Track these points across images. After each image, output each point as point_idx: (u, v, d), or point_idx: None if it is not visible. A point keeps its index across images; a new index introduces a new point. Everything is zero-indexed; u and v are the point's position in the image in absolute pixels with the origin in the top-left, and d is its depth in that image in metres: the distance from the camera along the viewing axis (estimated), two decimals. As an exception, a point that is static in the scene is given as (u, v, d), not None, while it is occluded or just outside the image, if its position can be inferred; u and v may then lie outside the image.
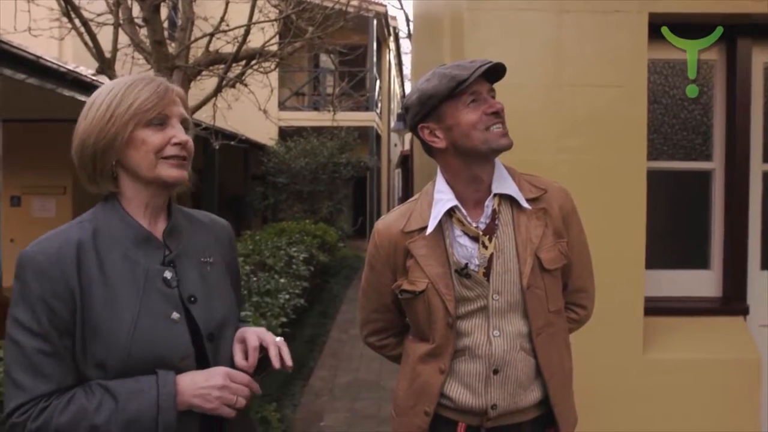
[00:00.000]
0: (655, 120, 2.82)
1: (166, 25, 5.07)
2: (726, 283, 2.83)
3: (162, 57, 4.47)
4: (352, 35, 11.89)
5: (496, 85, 1.53)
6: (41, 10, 4.92)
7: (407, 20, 20.22)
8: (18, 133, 7.74)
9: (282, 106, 14.44)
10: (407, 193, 15.76)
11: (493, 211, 1.51)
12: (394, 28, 19.77)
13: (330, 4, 6.19)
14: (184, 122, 1.23)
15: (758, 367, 2.68)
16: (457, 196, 1.52)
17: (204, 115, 5.65)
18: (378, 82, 16.87)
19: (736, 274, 2.80)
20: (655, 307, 2.72)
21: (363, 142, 14.64)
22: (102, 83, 5.79)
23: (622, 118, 2.59)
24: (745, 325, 2.79)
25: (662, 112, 2.85)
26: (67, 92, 5.78)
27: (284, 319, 4.08)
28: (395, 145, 21.27)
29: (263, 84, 5.87)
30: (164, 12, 5.15)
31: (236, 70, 5.25)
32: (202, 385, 1.13)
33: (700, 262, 2.89)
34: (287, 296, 4.55)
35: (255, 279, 4.70)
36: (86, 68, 6.01)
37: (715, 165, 2.86)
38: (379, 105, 17.36)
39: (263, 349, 1.23)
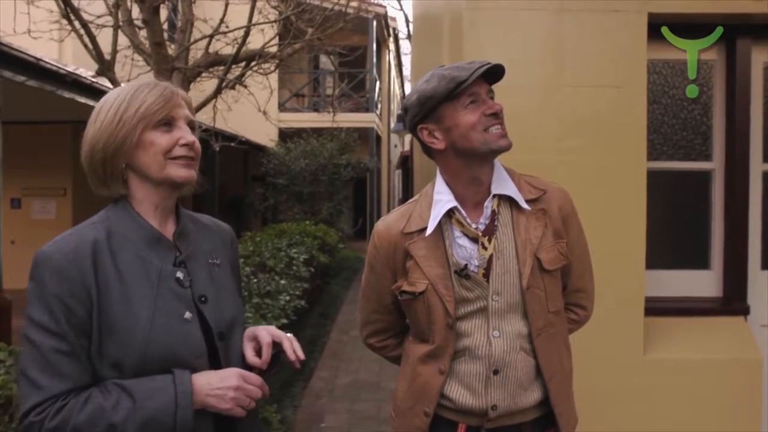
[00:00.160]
0: (654, 120, 2.82)
1: (165, 26, 5.07)
2: (726, 283, 2.83)
3: (161, 58, 4.47)
4: (351, 36, 11.91)
5: (495, 85, 1.53)
6: (41, 12, 4.92)
7: (407, 21, 20.25)
8: (18, 135, 7.74)
9: (282, 107, 14.45)
10: (407, 194, 15.77)
11: (493, 212, 1.51)
12: (394, 29, 19.78)
13: (329, 6, 6.19)
14: (190, 124, 1.25)
15: (759, 367, 2.67)
16: (457, 197, 1.52)
17: (204, 117, 5.65)
18: (378, 83, 16.88)
19: (736, 274, 2.80)
20: (656, 308, 2.72)
21: (363, 143, 14.66)
22: (102, 85, 5.82)
23: (622, 119, 2.59)
24: (746, 325, 2.79)
25: (662, 112, 2.85)
26: (67, 94, 5.80)
27: (285, 321, 4.09)
28: (395, 146, 21.28)
29: (263, 85, 5.87)
30: (164, 14, 5.15)
31: (236, 71, 5.25)
32: (218, 386, 1.16)
33: (701, 262, 2.89)
34: (287, 297, 4.55)
35: (255, 280, 4.70)
36: (86, 70, 6.02)
37: (715, 165, 2.85)
38: (379, 106, 17.36)
39: (274, 346, 1.26)
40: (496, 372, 1.47)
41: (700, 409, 2.65)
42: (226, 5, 4.89)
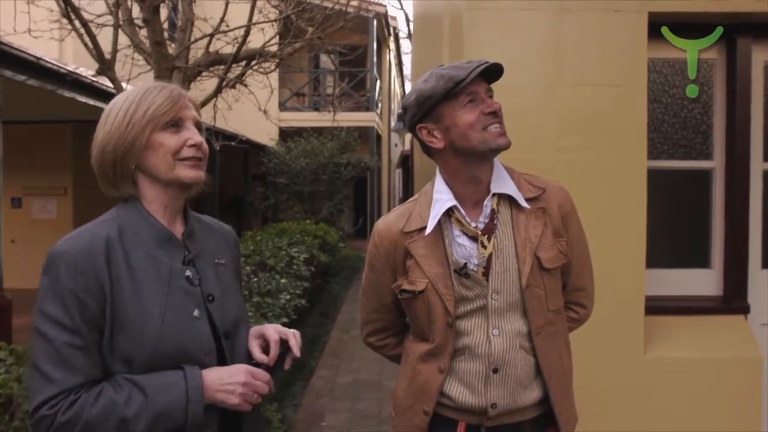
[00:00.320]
0: (655, 119, 2.82)
1: (165, 26, 5.07)
2: (727, 281, 2.83)
3: (162, 58, 4.47)
4: (352, 35, 11.91)
5: (495, 85, 1.53)
6: (41, 12, 4.92)
7: (407, 20, 20.24)
8: (19, 135, 7.75)
9: (282, 106, 14.46)
10: (408, 193, 15.77)
11: (492, 210, 1.51)
12: (394, 28, 19.77)
13: (330, 5, 6.19)
14: (197, 125, 1.28)
15: (759, 366, 2.67)
16: (456, 196, 1.52)
17: (204, 116, 5.62)
18: (378, 82, 16.88)
19: (736, 273, 2.80)
20: (656, 306, 2.72)
21: (363, 142, 14.65)
22: (102, 84, 5.82)
23: (622, 117, 2.59)
24: (746, 323, 2.79)
25: (662, 111, 2.85)
26: (67, 93, 5.79)
27: (285, 320, 4.08)
28: (395, 145, 21.27)
29: (263, 84, 5.87)
30: (164, 13, 5.15)
31: (236, 70, 5.25)
32: (228, 381, 1.19)
33: (701, 261, 2.89)
34: (288, 296, 4.55)
35: (256, 279, 4.70)
36: (86, 69, 6.01)
37: (716, 164, 2.85)
38: (380, 105, 17.37)
39: (281, 345, 1.30)
40: (495, 370, 1.48)
41: (700, 407, 2.65)
42: (227, 4, 4.88)
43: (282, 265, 5.40)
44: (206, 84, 5.64)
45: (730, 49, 2.78)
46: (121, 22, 4.54)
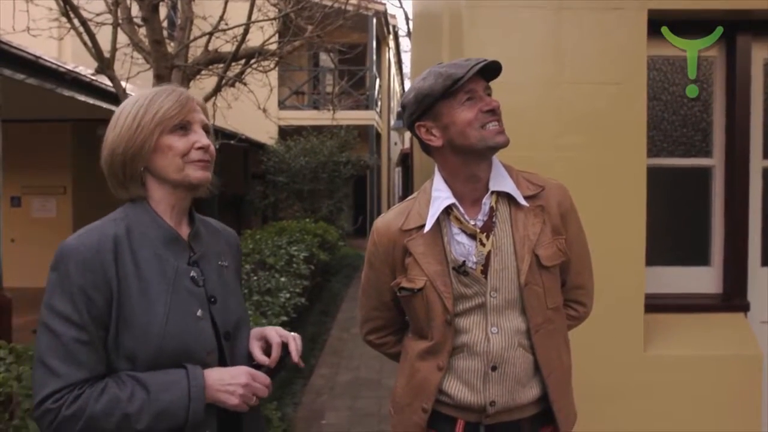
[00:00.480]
0: (654, 117, 2.82)
1: (165, 24, 5.06)
2: (726, 279, 2.83)
3: (161, 56, 4.46)
4: (351, 34, 11.89)
5: (495, 83, 1.53)
6: (40, 10, 4.91)
7: (406, 18, 20.22)
8: (18, 133, 7.74)
9: (282, 105, 14.45)
10: (407, 191, 15.77)
11: (491, 208, 1.51)
12: (394, 27, 19.76)
13: (329, 3, 6.17)
14: (204, 128, 1.32)
15: (759, 364, 2.67)
16: (455, 194, 1.52)
17: (204, 115, 5.63)
18: (378, 80, 16.87)
19: (736, 271, 2.80)
20: (656, 304, 2.72)
21: (363, 140, 14.65)
22: (101, 83, 5.82)
23: (622, 115, 2.59)
24: (746, 321, 2.79)
25: (662, 108, 2.84)
26: (66, 92, 5.78)
27: (285, 318, 4.08)
28: (395, 143, 21.27)
29: (263, 83, 5.86)
30: (163, 11, 5.15)
31: (235, 69, 5.24)
32: (230, 382, 1.21)
33: (701, 258, 2.89)
34: (288, 295, 4.55)
35: (255, 278, 4.70)
36: (85, 68, 6.00)
37: (715, 161, 2.85)
38: (379, 103, 17.36)
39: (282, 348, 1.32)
40: (494, 368, 1.48)
41: (700, 405, 2.66)
42: (226, 3, 4.87)
43: (282, 264, 5.40)
44: (206, 82, 5.63)
45: (730, 47, 2.77)
46: (120, 21, 4.53)
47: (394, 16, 20.04)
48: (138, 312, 1.16)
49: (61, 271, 1.14)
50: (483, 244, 1.48)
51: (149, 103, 1.25)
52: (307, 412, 4.37)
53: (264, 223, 11.90)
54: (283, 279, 4.86)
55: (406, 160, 16.67)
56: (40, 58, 5.11)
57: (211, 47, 5.09)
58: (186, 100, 1.27)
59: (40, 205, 9.59)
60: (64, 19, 4.38)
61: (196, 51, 5.29)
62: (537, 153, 2.53)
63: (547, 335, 1.52)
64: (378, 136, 17.05)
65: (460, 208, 1.52)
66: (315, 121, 13.27)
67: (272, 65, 5.84)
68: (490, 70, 1.48)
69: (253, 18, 4.86)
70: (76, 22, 4.22)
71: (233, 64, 4.96)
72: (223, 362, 1.26)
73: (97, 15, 4.79)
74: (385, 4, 16.54)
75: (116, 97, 4.72)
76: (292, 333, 1.35)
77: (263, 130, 11.44)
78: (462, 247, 1.50)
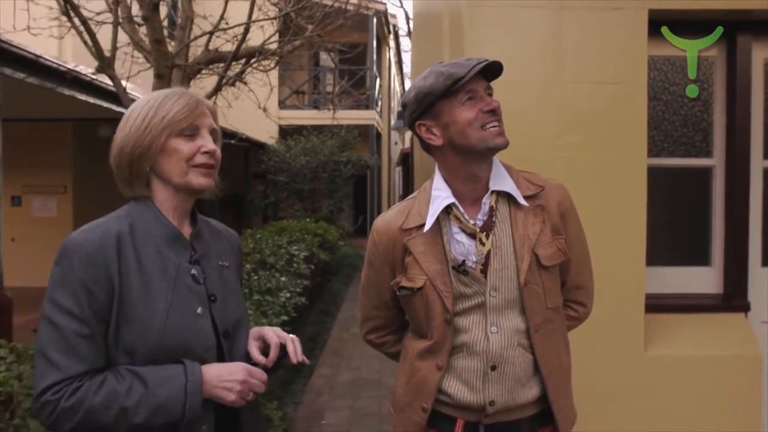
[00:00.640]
0: (655, 117, 2.82)
1: (165, 23, 5.07)
2: (727, 279, 2.83)
3: (161, 56, 4.46)
4: (351, 33, 11.88)
5: (495, 82, 1.53)
6: (40, 9, 4.91)
7: (407, 18, 20.22)
8: (18, 133, 7.74)
9: (282, 104, 14.45)
10: (408, 191, 15.75)
11: (491, 208, 1.51)
12: (394, 26, 19.75)
13: (329, 2, 6.17)
14: (213, 133, 1.33)
15: (759, 364, 2.67)
16: (455, 194, 1.52)
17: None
18: (378, 80, 16.87)
19: (737, 271, 2.80)
20: (656, 304, 2.72)
21: (363, 140, 14.65)
22: (102, 82, 5.82)
23: (622, 115, 2.59)
24: (746, 321, 2.79)
25: (662, 108, 2.84)
26: (67, 91, 5.78)
27: (285, 318, 4.08)
28: (396, 143, 21.26)
29: (263, 82, 5.86)
30: (164, 10, 5.15)
31: (236, 68, 5.24)
32: (227, 378, 1.22)
33: (701, 258, 2.89)
34: (288, 294, 4.55)
35: (256, 277, 4.70)
36: (86, 67, 6.00)
37: (716, 161, 2.85)
38: (379, 103, 17.36)
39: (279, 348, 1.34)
40: (493, 368, 1.48)
41: (700, 405, 2.66)
42: (226, 2, 4.88)
43: (282, 263, 5.40)
44: (206, 82, 5.64)
45: (730, 47, 2.77)
46: (120, 20, 4.53)
47: (394, 16, 20.05)
48: (139, 307, 1.18)
49: (65, 265, 1.16)
50: (483, 244, 1.48)
51: (159, 105, 1.27)
52: (308, 412, 4.37)
53: (264, 222, 11.90)
54: (283, 278, 4.86)
55: (406, 159, 16.66)
56: (40, 57, 5.11)
57: (211, 46, 5.09)
58: (195, 104, 1.29)
59: (40, 204, 9.59)
60: (64, 18, 4.38)
61: (196, 50, 5.29)
62: (537, 153, 2.53)
63: (547, 335, 1.52)
64: (378, 135, 17.05)
65: (460, 208, 1.52)
66: (315, 121, 13.28)
67: (272, 64, 5.85)
68: (492, 70, 1.48)
69: (254, 17, 4.86)
70: (76, 21, 4.23)
71: (234, 63, 4.96)
72: (221, 360, 1.28)
73: (98, 14, 4.79)
74: (385, 4, 16.54)
75: (117, 96, 4.72)
76: (291, 335, 1.37)
77: (264, 130, 11.44)
78: (462, 246, 1.50)
